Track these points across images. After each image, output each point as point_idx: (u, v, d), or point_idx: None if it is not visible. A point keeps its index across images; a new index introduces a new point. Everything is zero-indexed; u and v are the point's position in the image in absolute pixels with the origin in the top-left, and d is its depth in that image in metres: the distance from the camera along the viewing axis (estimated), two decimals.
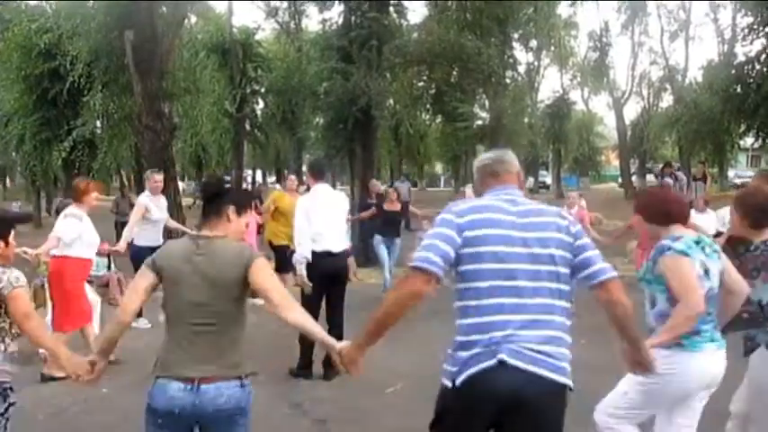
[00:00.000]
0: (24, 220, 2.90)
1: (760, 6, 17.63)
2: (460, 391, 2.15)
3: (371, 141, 15.79)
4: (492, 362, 2.09)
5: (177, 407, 2.34)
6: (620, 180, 35.27)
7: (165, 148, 10.96)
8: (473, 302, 2.18)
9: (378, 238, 9.38)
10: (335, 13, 16.72)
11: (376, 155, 16.84)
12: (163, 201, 7.28)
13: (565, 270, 2.25)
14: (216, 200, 2.52)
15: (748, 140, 24.49)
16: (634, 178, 33.54)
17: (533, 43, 29.56)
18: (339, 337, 4.85)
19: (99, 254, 8.99)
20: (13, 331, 2.82)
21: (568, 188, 34.08)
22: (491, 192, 2.40)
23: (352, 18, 15.39)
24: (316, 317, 5.52)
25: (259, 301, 2.74)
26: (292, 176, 8.99)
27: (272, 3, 29.58)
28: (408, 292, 2.18)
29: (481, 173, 2.52)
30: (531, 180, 41.39)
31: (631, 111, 53.86)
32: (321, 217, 5.31)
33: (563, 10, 29.26)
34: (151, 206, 7.00)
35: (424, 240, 2.25)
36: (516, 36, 23.58)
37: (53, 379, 5.19)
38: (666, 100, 33.27)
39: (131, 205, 12.20)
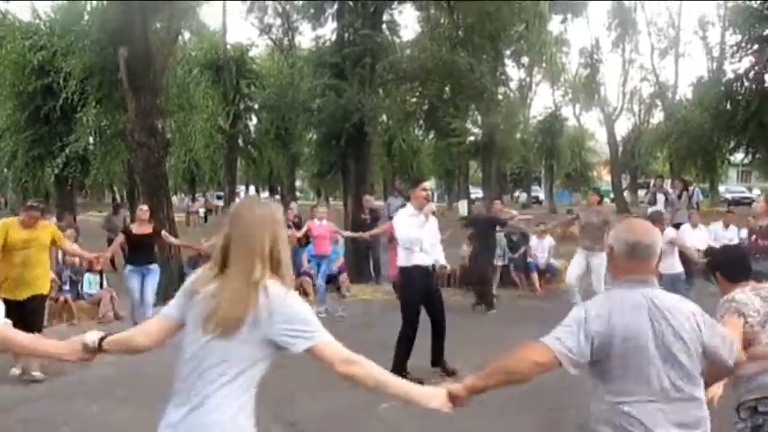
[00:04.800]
0: None
1: (747, 24, 17.88)
2: None
3: (365, 157, 15.79)
4: None
5: None
6: (611, 195, 35.46)
7: (158, 164, 10.92)
8: None
9: (129, 269, 7.67)
10: (329, 30, 16.83)
11: (369, 170, 16.83)
12: None
13: None
14: None
15: (738, 156, 24.72)
16: (626, 194, 33.72)
17: (525, 60, 29.79)
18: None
19: (90, 271, 8.96)
20: None
21: (560, 203, 34.24)
22: None
23: (346, 35, 15.48)
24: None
25: None
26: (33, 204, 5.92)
27: (266, 20, 29.79)
28: None
29: None
30: (524, 195, 41.57)
31: (622, 127, 54.14)
32: None
33: (554, 27, 29.62)
34: None
35: None
36: (508, 53, 23.76)
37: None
38: (657, 116, 33.68)
39: (125, 222, 12.12)
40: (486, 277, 9.31)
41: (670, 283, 6.15)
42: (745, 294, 2.78)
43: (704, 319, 2.16)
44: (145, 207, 8.01)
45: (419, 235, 5.59)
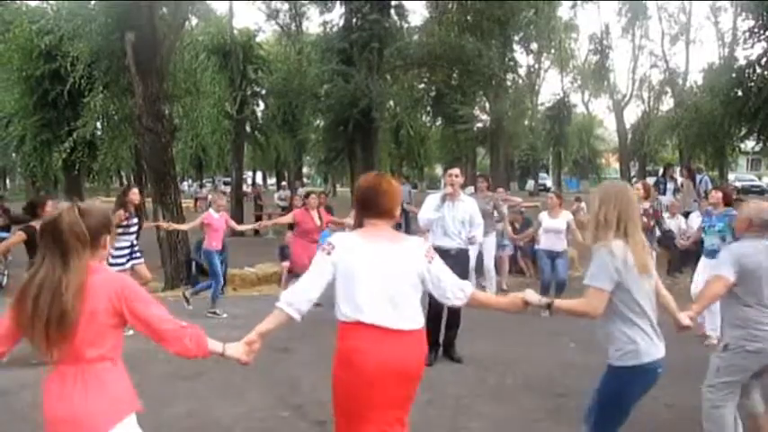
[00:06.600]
0: None
1: (761, 10, 17.63)
2: None
3: (372, 143, 15.78)
4: None
5: None
6: None
7: (165, 149, 10.91)
8: None
9: None
10: (336, 16, 16.78)
11: (376, 157, 16.83)
12: None
13: None
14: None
15: (749, 144, 24.49)
16: (634, 181, 33.55)
17: (534, 46, 29.56)
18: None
19: None
20: None
21: (569, 191, 34.10)
22: None
23: (353, 20, 15.41)
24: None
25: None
26: None
27: (273, 5, 29.66)
28: None
29: None
30: (530, 183, 41.46)
31: (632, 114, 53.98)
32: None
33: (563, 12, 29.35)
34: None
35: None
36: (517, 38, 23.60)
37: None
38: (667, 103, 33.32)
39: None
40: None
41: (556, 256, 7.95)
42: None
43: None
44: (50, 201, 6.31)
45: (432, 216, 5.79)
